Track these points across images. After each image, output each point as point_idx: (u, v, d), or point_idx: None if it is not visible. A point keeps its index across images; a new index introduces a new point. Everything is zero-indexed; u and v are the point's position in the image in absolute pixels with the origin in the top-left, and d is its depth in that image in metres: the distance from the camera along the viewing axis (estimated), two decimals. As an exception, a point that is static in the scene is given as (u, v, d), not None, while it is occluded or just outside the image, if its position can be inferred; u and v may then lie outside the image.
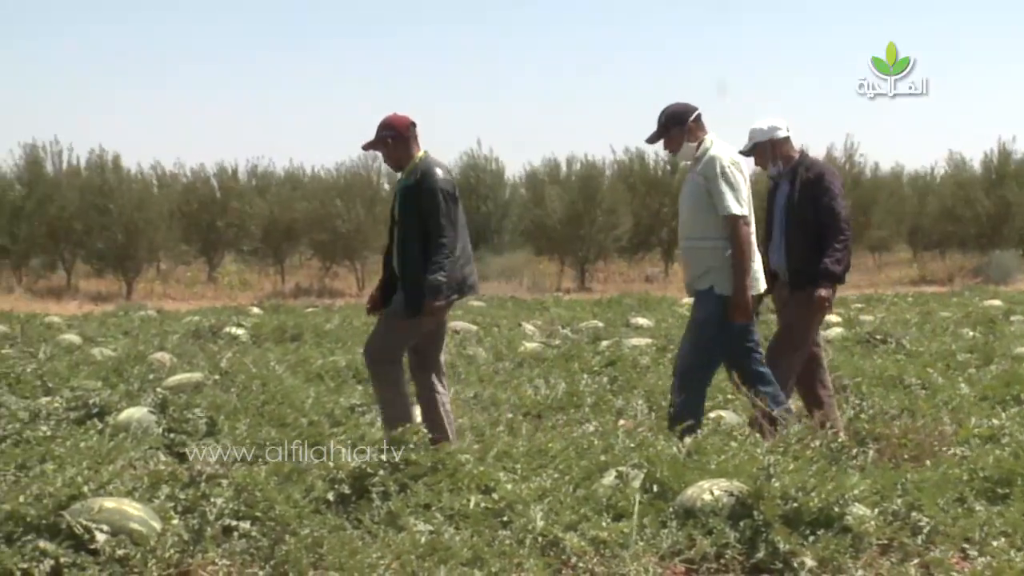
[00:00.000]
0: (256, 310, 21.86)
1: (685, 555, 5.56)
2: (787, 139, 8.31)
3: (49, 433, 8.24)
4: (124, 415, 8.79)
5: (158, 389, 9.79)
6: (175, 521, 5.65)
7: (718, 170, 7.57)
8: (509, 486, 6.18)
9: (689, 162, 7.94)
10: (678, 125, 7.82)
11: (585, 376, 11.45)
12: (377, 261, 38.98)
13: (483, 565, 5.24)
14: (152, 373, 11.15)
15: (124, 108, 79.63)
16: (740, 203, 7.54)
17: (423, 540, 5.50)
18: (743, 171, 7.74)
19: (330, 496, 6.18)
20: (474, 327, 16.75)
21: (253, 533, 5.64)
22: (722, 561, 5.55)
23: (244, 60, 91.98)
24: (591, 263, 36.20)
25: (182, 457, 7.75)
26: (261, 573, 5.25)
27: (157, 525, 5.55)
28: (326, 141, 78.90)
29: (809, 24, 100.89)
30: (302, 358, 12.72)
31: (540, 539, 5.59)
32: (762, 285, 7.81)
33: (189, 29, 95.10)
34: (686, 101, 7.92)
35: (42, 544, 5.32)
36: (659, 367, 11.92)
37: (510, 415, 9.26)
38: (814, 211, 8.08)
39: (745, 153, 8.34)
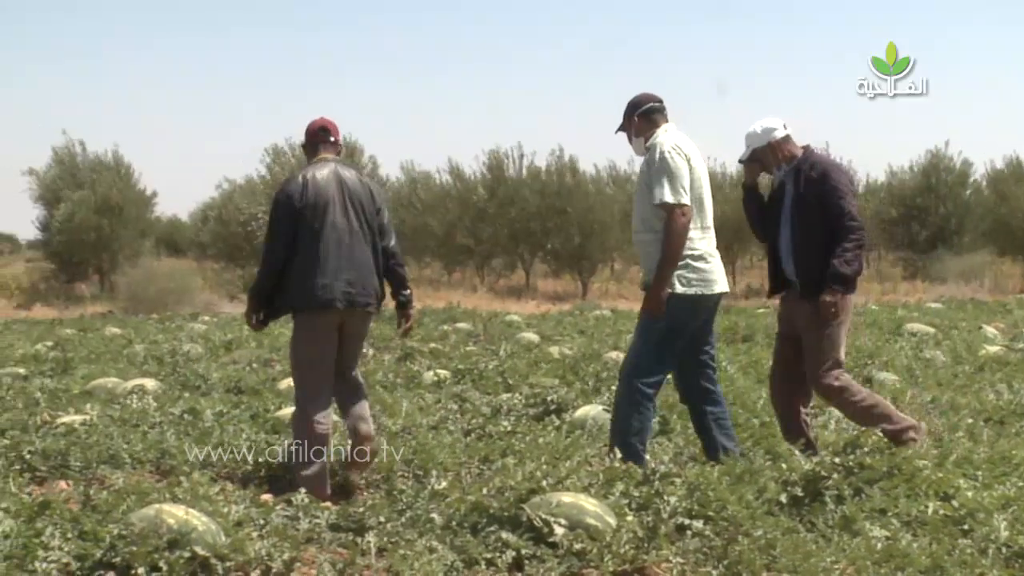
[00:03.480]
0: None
1: None
2: (787, 137, 7.50)
3: (510, 428, 8.62)
4: (580, 412, 9.06)
5: (613, 387, 10.01)
6: (630, 518, 5.76)
7: (657, 156, 6.98)
8: (970, 493, 5.97)
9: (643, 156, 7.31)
10: (627, 118, 7.32)
11: (1054, 381, 10.90)
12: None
13: (943, 574, 5.08)
14: (607, 372, 11.42)
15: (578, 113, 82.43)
16: (676, 191, 6.90)
17: (879, 546, 5.38)
18: (691, 156, 7.05)
19: (782, 498, 6.14)
20: (931, 329, 16.27)
21: (706, 532, 5.67)
22: None
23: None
24: (1060, 263, 34.48)
25: (635, 455, 7.91)
26: (715, 572, 5.28)
27: (612, 521, 5.67)
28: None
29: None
30: (753, 359, 12.67)
31: (1004, 549, 5.37)
32: (720, 287, 7.17)
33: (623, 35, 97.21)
34: (653, 93, 7.34)
35: (504, 535, 5.55)
36: None
37: (970, 420, 8.89)
38: (822, 213, 7.28)
39: (744, 162, 7.67)
